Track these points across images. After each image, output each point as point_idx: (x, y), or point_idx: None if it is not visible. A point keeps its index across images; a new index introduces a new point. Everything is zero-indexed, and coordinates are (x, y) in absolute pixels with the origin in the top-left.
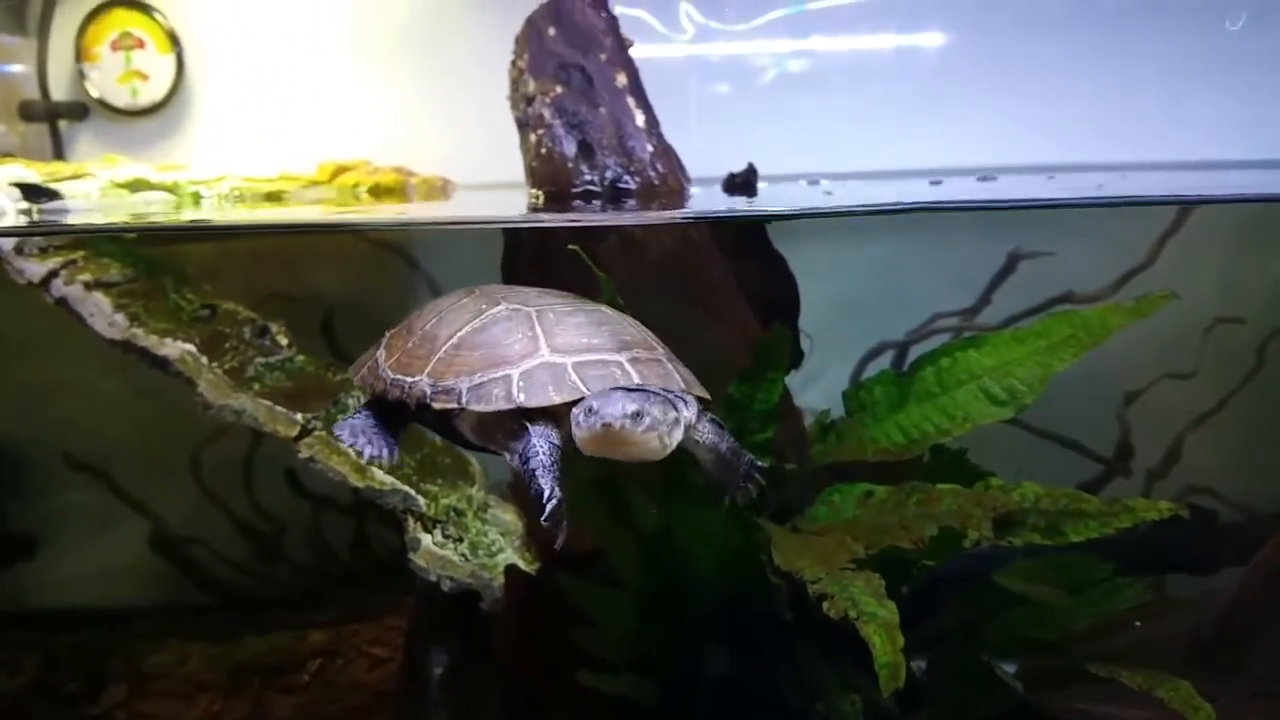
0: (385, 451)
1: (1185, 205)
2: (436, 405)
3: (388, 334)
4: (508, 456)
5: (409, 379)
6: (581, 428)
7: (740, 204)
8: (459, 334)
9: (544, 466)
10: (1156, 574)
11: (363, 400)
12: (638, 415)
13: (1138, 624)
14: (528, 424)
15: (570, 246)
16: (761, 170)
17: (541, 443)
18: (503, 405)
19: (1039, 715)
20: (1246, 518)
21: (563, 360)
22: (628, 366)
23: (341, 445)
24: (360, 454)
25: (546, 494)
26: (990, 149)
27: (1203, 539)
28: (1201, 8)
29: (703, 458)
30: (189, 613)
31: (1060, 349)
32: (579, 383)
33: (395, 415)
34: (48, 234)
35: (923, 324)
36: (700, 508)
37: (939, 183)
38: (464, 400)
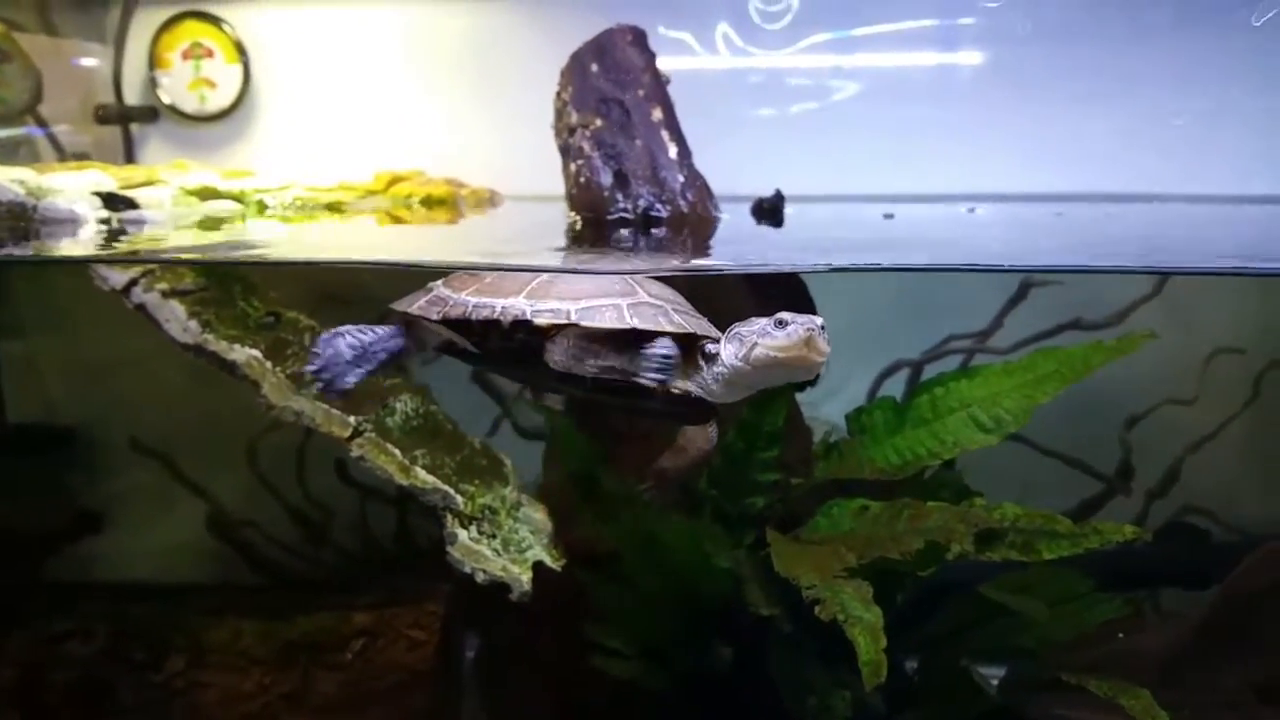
0: (336, 394)
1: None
2: (540, 320)
3: (437, 283)
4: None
5: (500, 301)
6: (775, 338)
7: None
8: (546, 276)
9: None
10: (1153, 589)
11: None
12: (823, 327)
13: (1120, 635)
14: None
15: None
16: (797, 190)
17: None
18: (615, 324)
19: (1018, 718)
20: (1240, 538)
21: (661, 304)
22: (708, 324)
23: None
24: (318, 379)
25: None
26: (1020, 174)
27: (1198, 557)
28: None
29: None
30: (243, 591)
31: (1045, 382)
32: (684, 323)
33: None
34: (131, 262)
35: (937, 344)
36: (692, 517)
37: (973, 209)
38: (573, 317)
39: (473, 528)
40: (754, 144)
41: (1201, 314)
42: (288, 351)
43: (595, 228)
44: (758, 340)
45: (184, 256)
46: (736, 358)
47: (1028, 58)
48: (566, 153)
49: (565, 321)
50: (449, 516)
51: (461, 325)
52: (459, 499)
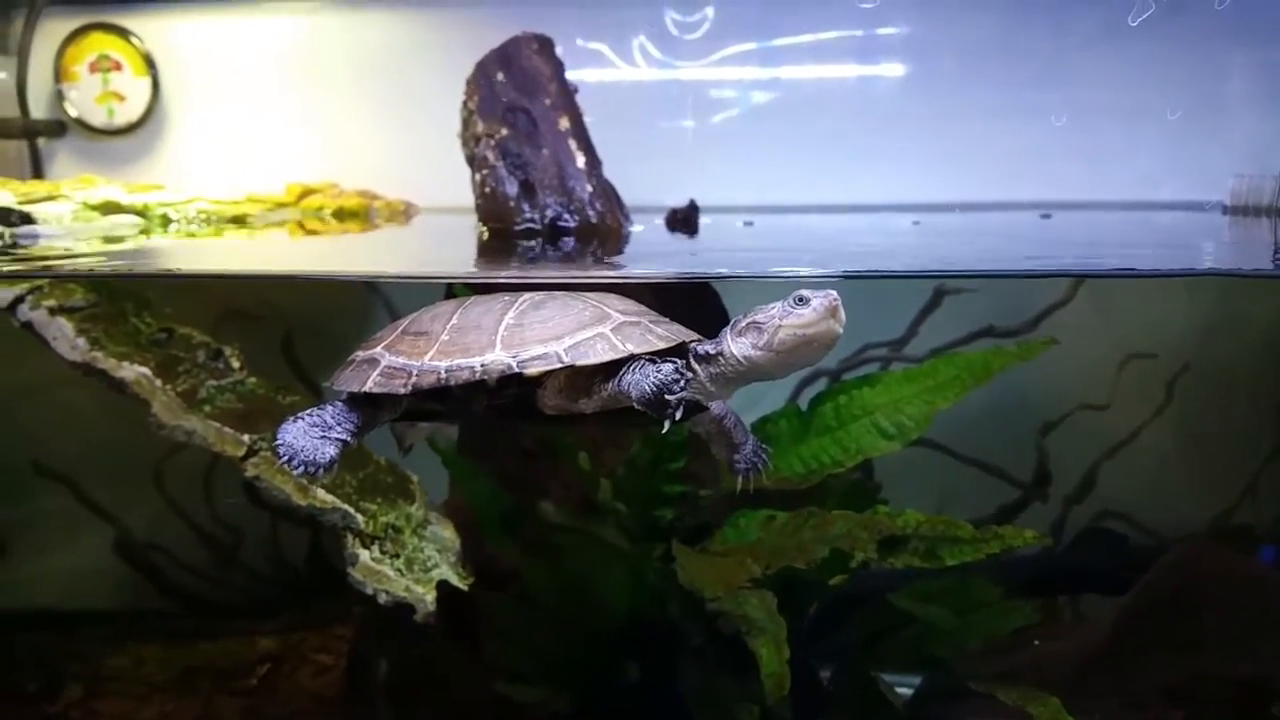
0: (320, 468)
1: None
2: (530, 371)
3: (372, 350)
4: (588, 405)
5: (476, 359)
6: (801, 315)
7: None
8: (508, 317)
9: (664, 380)
10: (1072, 595)
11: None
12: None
13: (1036, 642)
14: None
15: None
16: (716, 201)
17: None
18: (609, 355)
19: None
20: (1157, 542)
21: (637, 319)
22: (680, 328)
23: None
24: (293, 467)
25: (675, 401)
26: (942, 184)
27: (1115, 562)
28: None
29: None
30: (147, 616)
31: (945, 388)
32: (670, 334)
33: (419, 410)
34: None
35: (854, 353)
36: (608, 530)
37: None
38: (565, 358)
39: (375, 547)
40: (675, 155)
41: (1114, 320)
42: (179, 369)
43: (502, 238)
44: (780, 323)
45: (74, 271)
46: (755, 348)
47: (948, 70)
48: (473, 162)
49: (558, 366)
50: (349, 536)
51: (436, 393)
52: (359, 518)
